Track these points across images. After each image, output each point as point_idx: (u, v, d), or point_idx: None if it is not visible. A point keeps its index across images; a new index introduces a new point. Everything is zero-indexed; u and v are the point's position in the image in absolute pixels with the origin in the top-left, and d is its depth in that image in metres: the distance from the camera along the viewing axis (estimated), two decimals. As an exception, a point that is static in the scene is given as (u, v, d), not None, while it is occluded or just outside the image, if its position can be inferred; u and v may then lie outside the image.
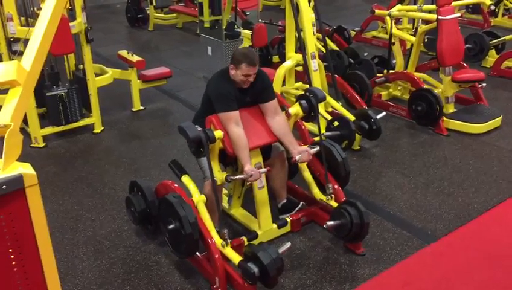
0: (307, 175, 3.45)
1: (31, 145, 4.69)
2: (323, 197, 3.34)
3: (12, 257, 1.60)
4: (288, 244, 2.85)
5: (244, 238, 3.14)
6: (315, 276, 3.00)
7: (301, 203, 3.47)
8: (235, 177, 3.05)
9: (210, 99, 3.10)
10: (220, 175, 3.03)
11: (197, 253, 2.97)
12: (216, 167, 3.02)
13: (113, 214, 3.66)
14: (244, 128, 3.03)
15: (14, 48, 4.38)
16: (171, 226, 2.89)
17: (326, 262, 3.12)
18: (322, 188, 3.39)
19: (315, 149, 3.23)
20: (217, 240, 2.88)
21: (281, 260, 2.65)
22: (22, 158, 1.64)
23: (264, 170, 3.02)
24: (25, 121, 4.69)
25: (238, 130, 2.99)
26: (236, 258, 2.78)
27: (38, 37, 1.83)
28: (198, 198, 3.04)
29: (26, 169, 1.59)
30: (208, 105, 3.12)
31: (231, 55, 3.11)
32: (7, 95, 1.71)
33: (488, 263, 3.07)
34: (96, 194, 3.93)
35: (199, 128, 2.88)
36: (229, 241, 2.89)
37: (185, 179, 3.15)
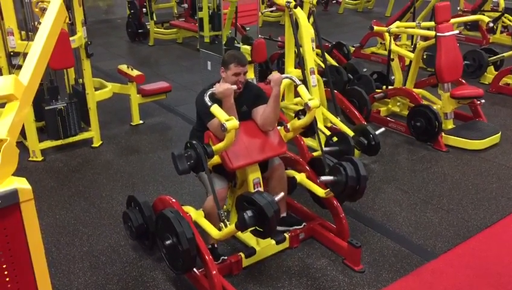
0: (303, 178, 3.41)
1: (29, 159, 4.68)
2: (323, 193, 3.29)
3: (6, 272, 1.59)
4: (282, 194, 2.83)
5: (242, 254, 3.12)
6: (313, 293, 2.97)
7: (303, 224, 3.43)
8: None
9: (199, 115, 3.11)
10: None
11: (194, 269, 2.94)
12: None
13: (110, 229, 3.63)
14: (242, 143, 3.02)
15: (14, 61, 4.39)
16: (168, 242, 2.86)
17: (325, 279, 3.09)
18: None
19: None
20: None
21: (277, 204, 2.62)
22: (19, 172, 1.63)
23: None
24: (23, 134, 4.68)
25: None
26: (232, 227, 2.75)
27: (37, 51, 1.84)
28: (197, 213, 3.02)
29: (21, 184, 1.58)
30: (200, 119, 3.13)
31: (221, 60, 3.15)
32: (4, 109, 1.70)
33: (488, 281, 3.04)
34: (93, 209, 3.90)
35: (194, 142, 2.85)
36: (227, 223, 2.86)
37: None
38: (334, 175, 3.06)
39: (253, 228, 2.65)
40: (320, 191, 3.26)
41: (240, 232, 3.01)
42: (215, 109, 2.81)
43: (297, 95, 4.95)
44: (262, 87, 3.36)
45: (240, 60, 3.05)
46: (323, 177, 3.08)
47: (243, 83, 3.11)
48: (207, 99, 2.85)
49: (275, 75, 3.14)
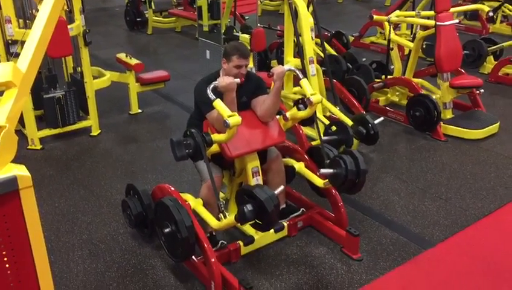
0: (301, 167, 3.41)
1: (28, 147, 4.68)
2: (322, 184, 3.28)
3: (5, 259, 1.59)
4: (282, 187, 2.84)
5: (241, 243, 3.13)
6: (311, 281, 2.99)
7: (301, 209, 3.45)
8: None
9: (197, 104, 3.11)
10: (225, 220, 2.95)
11: (193, 257, 2.96)
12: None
13: (109, 217, 3.64)
14: (241, 132, 3.02)
15: (12, 49, 4.38)
16: (167, 230, 2.88)
17: (323, 267, 3.11)
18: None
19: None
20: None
21: (277, 198, 2.63)
22: (18, 160, 1.63)
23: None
24: (22, 123, 4.68)
25: None
26: (232, 218, 2.76)
27: (35, 38, 1.82)
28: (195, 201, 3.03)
29: (20, 171, 1.58)
30: (198, 109, 3.14)
31: (222, 51, 3.12)
32: (2, 96, 1.70)
33: (485, 269, 3.07)
34: (92, 197, 3.91)
35: (194, 131, 2.85)
36: (226, 213, 2.88)
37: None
38: (334, 168, 3.07)
39: (253, 221, 2.67)
40: (319, 181, 3.26)
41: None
42: (218, 103, 2.79)
43: (296, 84, 4.96)
44: (265, 77, 3.36)
45: (243, 53, 3.03)
46: (323, 170, 3.09)
47: (245, 75, 3.10)
48: (210, 92, 2.83)
49: (278, 68, 3.12)
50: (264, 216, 2.59)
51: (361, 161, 2.99)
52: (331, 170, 3.07)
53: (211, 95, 2.82)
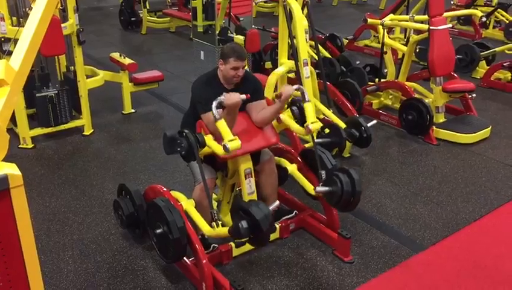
0: (294, 170, 3.41)
1: (20, 146, 4.65)
2: (312, 191, 3.28)
3: (-5, 258, 1.58)
4: (277, 202, 2.83)
5: (232, 244, 3.13)
6: (303, 283, 2.99)
7: (294, 212, 3.45)
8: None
9: (193, 103, 3.11)
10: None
11: (185, 258, 2.95)
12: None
13: (101, 217, 3.63)
14: (234, 134, 3.01)
15: (5, 47, 4.35)
16: (158, 231, 2.87)
17: (314, 269, 3.11)
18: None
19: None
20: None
21: (272, 216, 2.63)
22: (9, 159, 1.62)
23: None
24: (13, 121, 4.65)
25: None
26: (225, 230, 2.76)
27: (28, 37, 1.81)
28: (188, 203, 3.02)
29: (11, 169, 1.56)
30: (194, 107, 3.13)
31: (220, 51, 3.12)
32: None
33: (475, 273, 3.08)
34: (83, 197, 3.89)
35: (187, 131, 2.85)
36: (219, 222, 2.88)
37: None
38: (330, 186, 3.08)
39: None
40: (309, 188, 3.28)
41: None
42: (220, 125, 2.79)
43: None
44: (260, 79, 3.36)
45: (240, 55, 3.03)
46: (318, 188, 3.10)
47: (241, 76, 3.10)
48: (214, 109, 2.79)
49: (287, 90, 3.07)
50: (259, 235, 2.60)
51: (358, 182, 3.00)
52: (326, 188, 3.08)
53: (216, 113, 2.78)
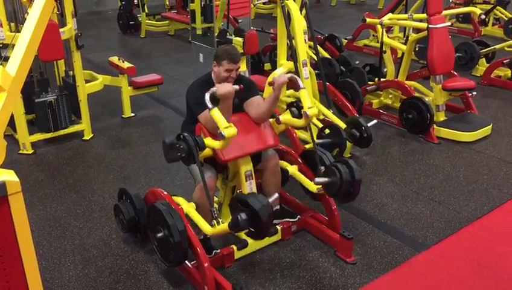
0: (295, 171, 3.40)
1: (19, 152, 4.63)
2: (315, 189, 3.27)
3: (-6, 266, 1.57)
4: (276, 195, 2.81)
5: (234, 247, 3.11)
6: (305, 285, 2.98)
7: (298, 217, 3.43)
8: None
9: (189, 107, 3.10)
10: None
11: (186, 261, 2.94)
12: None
13: (102, 222, 3.62)
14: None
15: (3, 53, 4.34)
16: (159, 235, 2.85)
17: (317, 271, 3.10)
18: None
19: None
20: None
21: (271, 207, 2.63)
22: (9, 165, 1.61)
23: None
24: (13, 127, 4.64)
25: None
26: (225, 227, 2.75)
27: (24, 42, 1.81)
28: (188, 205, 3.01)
29: (9, 176, 1.56)
30: (191, 112, 3.12)
31: (214, 53, 3.11)
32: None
33: (478, 272, 3.07)
34: (84, 202, 3.88)
35: (186, 134, 2.84)
36: (220, 220, 2.86)
37: None
38: (329, 177, 3.06)
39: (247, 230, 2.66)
40: (312, 187, 3.26)
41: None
42: (215, 113, 2.78)
43: (289, 87, 4.95)
44: (259, 80, 3.35)
45: (233, 57, 3.02)
46: (317, 179, 3.08)
47: (235, 78, 3.10)
48: (207, 99, 2.80)
49: (279, 77, 3.09)
50: (258, 225, 2.58)
51: (356, 171, 2.98)
52: (325, 179, 3.07)
53: (209, 103, 2.78)
